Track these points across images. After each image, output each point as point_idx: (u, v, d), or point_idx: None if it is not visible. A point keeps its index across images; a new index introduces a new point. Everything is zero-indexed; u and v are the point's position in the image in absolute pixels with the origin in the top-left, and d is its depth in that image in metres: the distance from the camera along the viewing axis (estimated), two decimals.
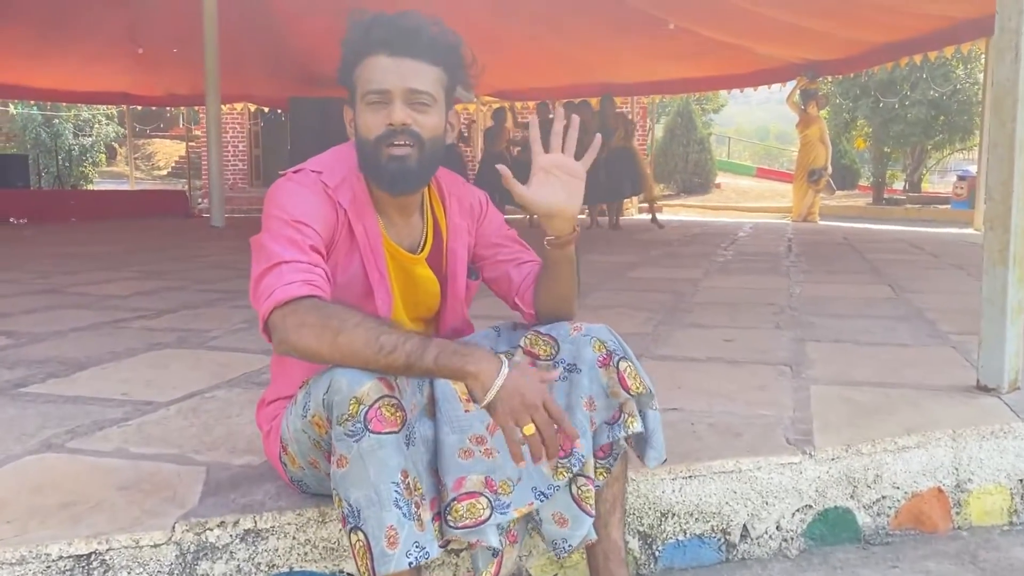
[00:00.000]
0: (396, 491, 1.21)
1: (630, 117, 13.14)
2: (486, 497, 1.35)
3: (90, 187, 20.35)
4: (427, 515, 1.27)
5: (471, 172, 11.67)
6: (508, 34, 10.90)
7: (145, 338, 3.07)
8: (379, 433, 1.21)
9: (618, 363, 1.41)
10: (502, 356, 1.29)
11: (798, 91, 12.48)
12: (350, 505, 1.22)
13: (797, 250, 7.09)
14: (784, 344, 2.97)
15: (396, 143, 1.40)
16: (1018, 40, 2.08)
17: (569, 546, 1.43)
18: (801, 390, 2.30)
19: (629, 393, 1.41)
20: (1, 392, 2.29)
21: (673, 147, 23.52)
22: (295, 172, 1.46)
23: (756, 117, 59.69)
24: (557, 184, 1.41)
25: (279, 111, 16.02)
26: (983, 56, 11.45)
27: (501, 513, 1.36)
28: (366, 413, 1.21)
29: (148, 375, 2.50)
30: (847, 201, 20.22)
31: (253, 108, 16.71)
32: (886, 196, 21.13)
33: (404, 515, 1.21)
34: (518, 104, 13.38)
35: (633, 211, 15.12)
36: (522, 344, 1.48)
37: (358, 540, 1.22)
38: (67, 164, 20.19)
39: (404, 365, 1.24)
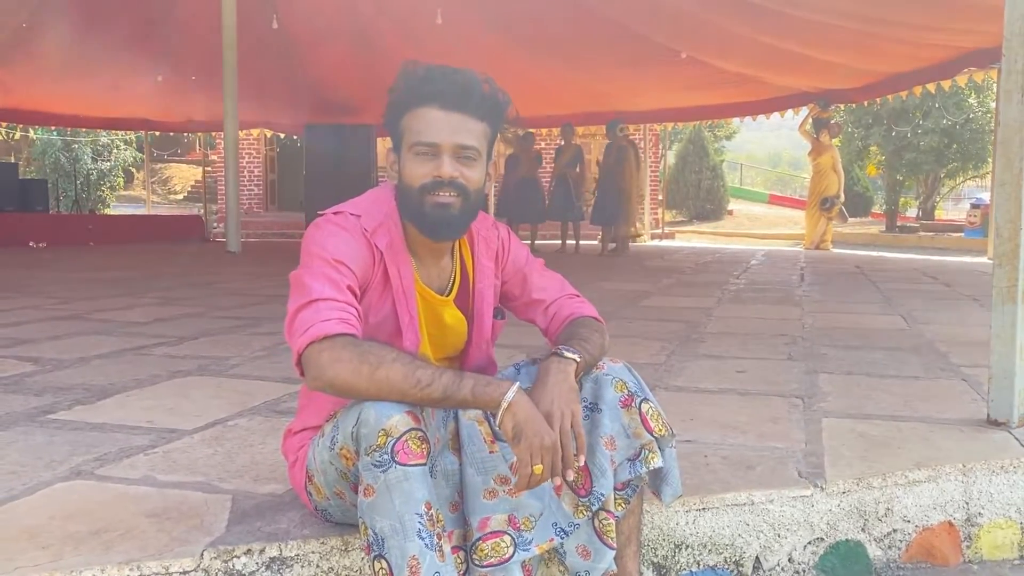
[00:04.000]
0: (420, 522, 1.25)
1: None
2: (509, 535, 1.40)
3: (108, 211, 20.59)
4: (448, 546, 1.31)
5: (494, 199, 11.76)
6: (524, 64, 11.05)
7: (167, 365, 3.13)
8: (406, 465, 1.25)
9: (640, 404, 1.46)
10: (518, 387, 1.33)
11: (810, 119, 12.55)
12: (375, 533, 1.27)
13: (810, 279, 7.12)
14: (796, 376, 3.00)
15: (441, 193, 1.45)
16: (1023, 81, 2.13)
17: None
18: (813, 423, 2.34)
19: (652, 435, 1.45)
20: (30, 419, 2.35)
21: (685, 174, 23.60)
22: (335, 214, 1.50)
23: (768, 144, 59.80)
24: None
25: (295, 137, 16.23)
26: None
27: (524, 550, 1.40)
28: (394, 445, 1.26)
29: (171, 403, 2.56)
30: (860, 228, 20.20)
31: (269, 134, 16.93)
32: (899, 224, 21.11)
33: (426, 546, 1.25)
34: (543, 130, 13.52)
35: (645, 237, 15.18)
36: None
37: (381, 568, 1.26)
38: (85, 188, 20.45)
39: (440, 397, 1.31)
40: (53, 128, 20.17)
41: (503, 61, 10.83)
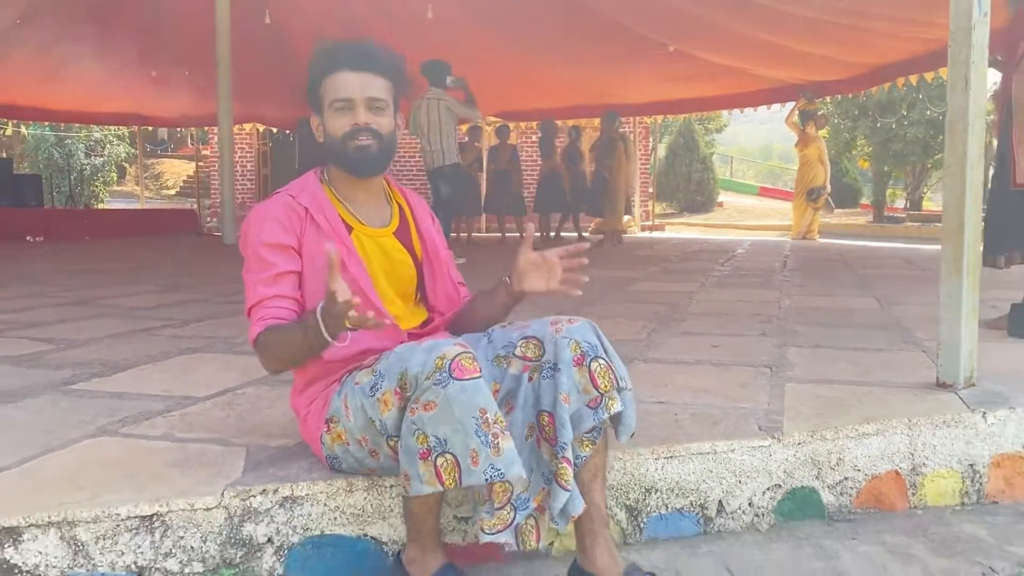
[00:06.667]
0: (476, 424, 1.48)
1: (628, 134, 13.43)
2: (511, 504, 1.59)
3: (101, 206, 20.68)
4: (505, 443, 1.50)
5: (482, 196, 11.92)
6: (514, 58, 11.23)
7: (175, 344, 3.31)
8: (462, 379, 1.49)
9: (590, 364, 1.65)
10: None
11: (797, 111, 12.75)
12: (437, 438, 1.49)
13: (792, 266, 7.32)
14: (768, 349, 3.20)
15: (360, 138, 1.77)
16: (967, 72, 2.32)
17: (553, 515, 1.64)
18: (777, 387, 2.53)
19: (598, 391, 1.64)
20: (53, 388, 2.53)
21: (676, 166, 23.81)
22: (267, 198, 1.84)
23: (759, 136, 59.95)
24: (541, 274, 1.81)
25: (287, 131, 16.35)
26: None
27: (523, 509, 1.61)
28: (450, 364, 1.50)
29: (183, 375, 2.74)
30: (848, 219, 20.44)
31: (262, 128, 17.06)
32: (887, 214, 21.36)
33: (482, 443, 1.48)
34: (522, 124, 13.75)
35: (635, 229, 15.38)
36: (517, 352, 1.71)
37: (446, 461, 1.49)
38: (79, 184, 20.52)
39: (303, 332, 1.64)
40: (46, 124, 20.24)
41: (493, 55, 11.00)
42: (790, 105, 13.00)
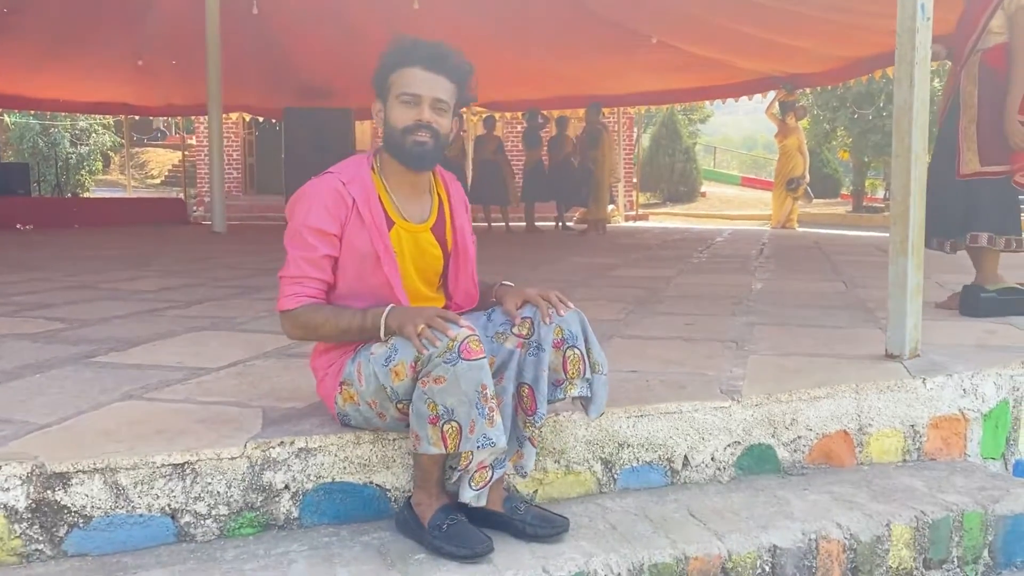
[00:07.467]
0: (477, 398, 1.72)
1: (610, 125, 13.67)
2: (490, 464, 1.83)
3: (87, 195, 20.73)
4: (498, 417, 1.75)
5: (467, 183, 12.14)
6: (501, 49, 11.41)
7: (182, 323, 3.52)
8: (469, 360, 1.72)
9: (566, 351, 1.89)
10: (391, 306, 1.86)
11: (777, 102, 13.03)
12: (445, 407, 1.73)
13: (768, 253, 7.58)
14: (736, 327, 3.44)
15: (420, 133, 1.91)
16: (912, 71, 2.56)
17: (525, 472, 1.95)
18: (741, 358, 2.77)
19: (565, 374, 1.90)
20: (75, 361, 2.74)
21: (659, 157, 24.09)
22: (318, 177, 1.98)
23: (744, 127, 60.26)
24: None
25: (273, 121, 16.47)
26: None
27: (500, 468, 1.86)
28: (459, 347, 1.72)
29: (194, 349, 2.95)
30: (827, 209, 20.80)
31: (248, 118, 17.16)
32: (866, 204, 21.72)
33: (479, 415, 1.72)
34: (507, 114, 13.98)
35: (619, 219, 15.63)
36: (514, 331, 1.93)
37: (451, 427, 1.73)
38: (64, 172, 20.55)
39: (359, 329, 1.86)
40: (32, 112, 20.24)
41: (478, 45, 11.14)
42: (771, 96, 13.28)
